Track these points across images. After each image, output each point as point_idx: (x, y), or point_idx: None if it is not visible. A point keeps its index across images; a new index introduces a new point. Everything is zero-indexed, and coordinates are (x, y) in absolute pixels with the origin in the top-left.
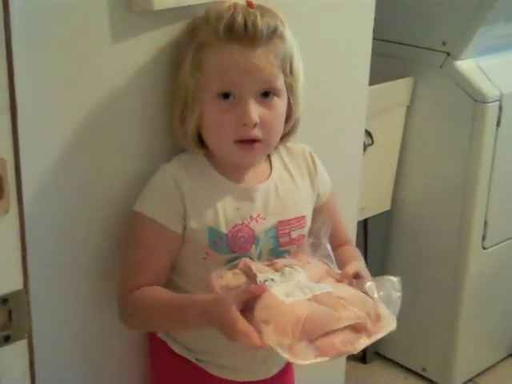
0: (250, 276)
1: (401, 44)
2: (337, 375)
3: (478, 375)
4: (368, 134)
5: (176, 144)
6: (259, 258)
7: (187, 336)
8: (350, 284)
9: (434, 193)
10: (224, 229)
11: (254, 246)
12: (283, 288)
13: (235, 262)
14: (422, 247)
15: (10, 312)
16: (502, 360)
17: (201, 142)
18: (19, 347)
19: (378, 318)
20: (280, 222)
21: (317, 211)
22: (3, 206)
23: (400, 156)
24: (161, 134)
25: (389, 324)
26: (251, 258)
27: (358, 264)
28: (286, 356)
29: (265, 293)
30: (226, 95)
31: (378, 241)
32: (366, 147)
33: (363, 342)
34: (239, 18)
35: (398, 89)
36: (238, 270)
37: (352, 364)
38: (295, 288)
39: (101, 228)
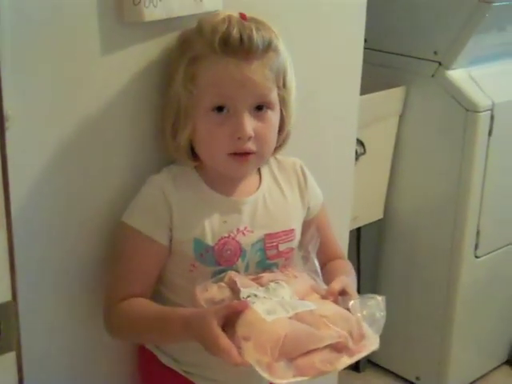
0: (235, 291)
1: (392, 53)
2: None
3: (471, 383)
4: (360, 143)
5: (166, 155)
6: (246, 270)
7: (176, 348)
8: (336, 301)
9: (426, 201)
10: (210, 241)
11: (240, 259)
12: (265, 305)
13: (221, 275)
14: (415, 256)
15: None
16: (495, 368)
17: (193, 153)
18: (8, 359)
19: (361, 336)
20: (267, 235)
21: (307, 225)
22: None
23: (392, 165)
24: (151, 145)
25: (371, 343)
26: (237, 271)
27: (344, 280)
28: (265, 374)
29: (247, 309)
30: (219, 108)
31: (370, 249)
32: (358, 156)
33: (344, 362)
34: (235, 32)
35: (390, 98)
36: (223, 284)
37: (345, 373)
38: (277, 305)
39: (89, 238)
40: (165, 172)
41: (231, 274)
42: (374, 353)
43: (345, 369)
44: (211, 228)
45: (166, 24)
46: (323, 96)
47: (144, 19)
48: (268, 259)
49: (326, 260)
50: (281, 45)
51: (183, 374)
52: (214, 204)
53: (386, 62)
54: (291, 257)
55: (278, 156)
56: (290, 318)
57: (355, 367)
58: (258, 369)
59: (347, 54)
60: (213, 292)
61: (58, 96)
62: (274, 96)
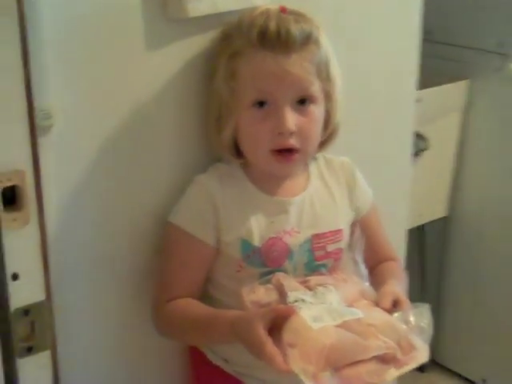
0: (282, 294)
1: (457, 46)
2: None
3: None
4: (423, 138)
5: (212, 153)
6: (294, 272)
7: (226, 348)
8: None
9: (493, 199)
10: (257, 242)
11: (287, 261)
12: (312, 311)
13: (269, 277)
14: (482, 254)
15: (32, 323)
16: None
17: (237, 150)
18: (42, 358)
19: (410, 347)
20: (315, 236)
21: (356, 225)
22: (23, 218)
23: (457, 161)
24: (197, 143)
25: (421, 354)
26: (286, 273)
27: (394, 290)
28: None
29: (293, 315)
30: (261, 103)
31: (435, 247)
32: (420, 152)
33: (392, 373)
34: (272, 25)
35: (454, 92)
36: (270, 286)
37: (408, 373)
38: (324, 312)
39: (136, 238)
40: (211, 172)
41: (279, 275)
42: (438, 353)
43: None
44: (258, 229)
45: (210, 20)
46: (378, 92)
47: (188, 15)
48: (316, 260)
49: (377, 261)
50: (322, 37)
51: (234, 374)
52: (260, 204)
53: (450, 54)
54: (340, 258)
55: (327, 155)
56: (336, 326)
57: (419, 367)
58: (303, 377)
59: (403, 46)
60: (259, 294)
61: (103, 94)
62: (315, 89)
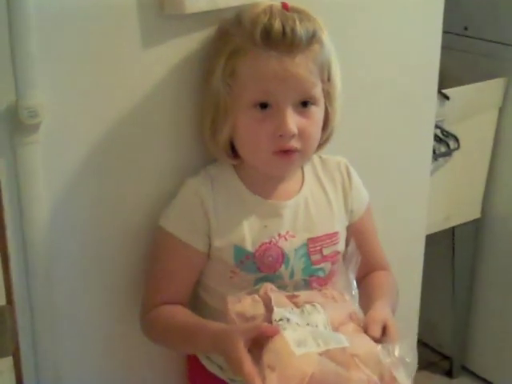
0: (268, 308)
1: (493, 42)
2: None
3: None
4: (454, 137)
5: (206, 153)
6: (291, 277)
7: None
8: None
9: None
10: (250, 247)
11: (283, 266)
12: (297, 333)
13: (257, 287)
14: None
15: None
16: None
17: (233, 151)
18: (3, 364)
19: (392, 381)
20: (310, 240)
21: (350, 230)
22: None
23: (491, 161)
24: (190, 143)
25: None
26: (282, 278)
27: (383, 315)
28: None
29: (276, 336)
30: (263, 105)
31: (465, 251)
32: (451, 151)
33: None
34: (276, 23)
35: (489, 90)
36: (257, 297)
37: (438, 378)
38: (309, 336)
39: (126, 240)
40: (202, 175)
41: (267, 287)
42: (468, 359)
43: (437, 373)
44: (251, 233)
45: (207, 16)
46: (396, 92)
47: (185, 11)
48: (313, 264)
49: (367, 270)
50: (325, 36)
51: (229, 382)
52: (253, 208)
53: (486, 51)
54: (337, 260)
55: (323, 155)
56: (320, 353)
57: (448, 372)
58: None
59: (423, 42)
60: (245, 306)
61: (94, 92)
62: (318, 91)
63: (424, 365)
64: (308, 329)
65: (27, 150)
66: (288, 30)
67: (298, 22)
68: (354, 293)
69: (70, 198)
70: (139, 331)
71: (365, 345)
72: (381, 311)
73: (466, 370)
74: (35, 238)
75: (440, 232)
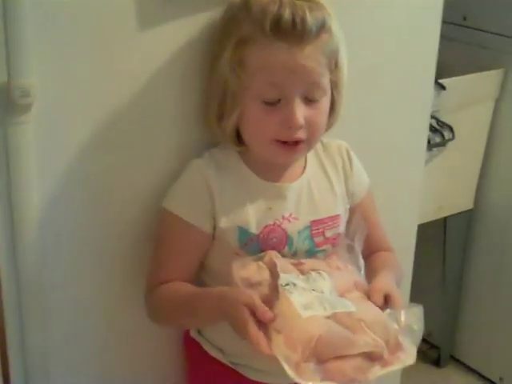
0: (273, 274)
1: (492, 33)
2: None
3: None
4: (449, 128)
5: (210, 138)
6: (294, 258)
7: (221, 338)
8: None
9: None
10: (254, 229)
11: (287, 247)
12: (303, 297)
13: (262, 254)
14: (507, 250)
15: None
16: None
17: (238, 136)
18: None
19: (397, 347)
20: (313, 222)
21: (352, 212)
22: None
23: (486, 152)
24: (193, 126)
25: (407, 356)
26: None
27: (385, 284)
28: (291, 373)
29: (283, 299)
30: (271, 102)
31: (457, 241)
32: (446, 142)
33: (376, 372)
34: (287, 13)
35: (486, 81)
36: (262, 264)
37: (425, 366)
38: (316, 300)
39: (131, 222)
40: (206, 156)
41: (272, 254)
42: (456, 348)
43: (425, 362)
44: (255, 215)
45: None
46: (394, 80)
47: None
48: (316, 246)
49: (370, 251)
50: (334, 24)
51: (229, 364)
52: (257, 190)
53: (484, 42)
54: (338, 243)
55: (324, 139)
56: (326, 317)
57: (436, 361)
58: (285, 365)
59: (422, 31)
60: (250, 271)
61: (93, 72)
62: (326, 81)
63: None
64: (314, 294)
65: (18, 129)
66: (298, 20)
67: (307, 12)
68: (360, 263)
69: (63, 178)
70: (135, 314)
71: (371, 311)
72: (383, 281)
73: (453, 360)
74: (25, 217)
75: (432, 222)
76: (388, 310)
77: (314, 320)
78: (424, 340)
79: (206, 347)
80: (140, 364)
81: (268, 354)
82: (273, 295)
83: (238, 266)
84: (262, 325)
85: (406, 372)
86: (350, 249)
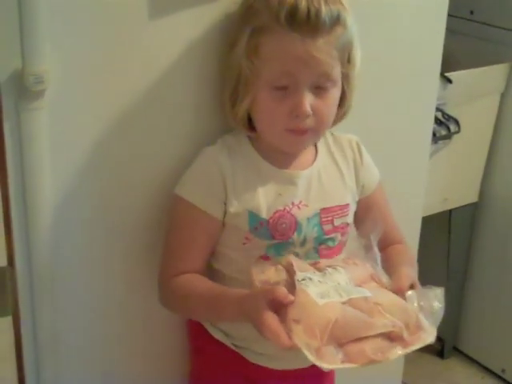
0: (291, 273)
1: (499, 28)
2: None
3: None
4: (455, 121)
5: (223, 124)
6: (303, 245)
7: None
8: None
9: None
10: (265, 214)
11: (296, 233)
12: (319, 288)
13: (279, 258)
14: (511, 242)
15: None
16: None
17: (250, 123)
18: (3, 324)
19: (417, 327)
20: (323, 210)
21: (363, 204)
22: None
23: (491, 146)
24: (207, 113)
25: (428, 335)
26: (294, 245)
27: (410, 275)
28: (312, 358)
29: (300, 291)
30: (282, 87)
31: (462, 234)
32: (452, 135)
33: (396, 352)
34: (302, 5)
35: (492, 75)
36: (280, 267)
37: (428, 357)
38: (331, 289)
39: (142, 210)
40: (219, 143)
41: (289, 257)
42: (460, 340)
43: (428, 353)
44: (266, 201)
45: None
46: (400, 73)
47: None
48: (325, 234)
49: (384, 244)
50: (349, 18)
51: (232, 347)
52: (268, 176)
53: (491, 36)
54: (347, 232)
55: (335, 132)
56: (342, 303)
57: (439, 352)
58: (306, 352)
59: (427, 25)
60: (269, 274)
61: (106, 60)
62: (336, 73)
63: None
64: (330, 284)
65: (32, 115)
66: (313, 13)
67: (323, 5)
68: (376, 256)
69: (76, 164)
70: (147, 302)
71: (388, 296)
72: (408, 271)
73: (457, 351)
74: (38, 203)
75: (437, 214)
76: (409, 292)
77: (330, 306)
78: None
79: (210, 329)
80: (141, 345)
81: (289, 346)
82: (291, 292)
83: (258, 271)
84: (282, 319)
85: (410, 363)
86: (367, 248)
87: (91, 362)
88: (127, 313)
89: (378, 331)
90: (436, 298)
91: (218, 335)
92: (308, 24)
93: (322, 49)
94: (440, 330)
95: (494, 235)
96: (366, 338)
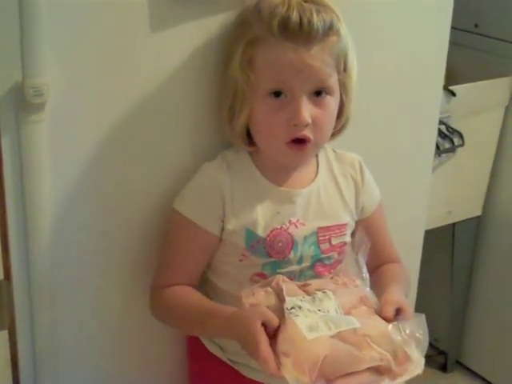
0: (280, 298)
1: (503, 41)
2: None
3: None
4: (459, 134)
5: (224, 140)
6: (299, 263)
7: None
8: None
9: None
10: (262, 232)
11: (292, 252)
12: (308, 319)
13: (269, 280)
14: None
15: None
16: None
17: (249, 138)
18: None
19: (405, 358)
20: (320, 229)
21: (361, 224)
22: None
23: (495, 159)
24: (206, 127)
25: (416, 366)
26: (290, 264)
27: (397, 297)
28: None
29: (289, 323)
30: (277, 93)
31: (465, 247)
32: (455, 148)
33: None
34: (294, 15)
35: (496, 88)
36: (269, 289)
37: (431, 372)
38: (320, 321)
39: (140, 222)
40: (219, 159)
41: (279, 278)
42: (463, 354)
43: (431, 367)
44: (264, 219)
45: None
46: (402, 85)
47: None
48: (322, 253)
49: (380, 263)
50: (343, 27)
51: (228, 362)
52: (267, 194)
53: (495, 49)
54: (344, 251)
55: (338, 150)
56: (331, 336)
57: (443, 366)
58: None
59: (431, 37)
60: (259, 297)
61: (106, 73)
62: (333, 81)
63: None
64: (319, 314)
65: (32, 128)
66: (305, 21)
67: (315, 14)
68: (364, 276)
69: (75, 176)
70: (145, 313)
71: (376, 325)
72: (394, 294)
73: (460, 365)
74: (37, 216)
75: (440, 227)
76: (391, 324)
77: (319, 341)
78: (431, 345)
79: (206, 343)
80: (139, 357)
81: (276, 375)
82: (280, 318)
83: (247, 294)
84: (273, 346)
85: (413, 377)
86: (357, 264)
87: (90, 376)
88: (127, 327)
89: (366, 366)
90: (419, 327)
91: (214, 349)
92: (301, 33)
93: (317, 56)
94: (443, 343)
95: (497, 249)
96: (355, 372)
